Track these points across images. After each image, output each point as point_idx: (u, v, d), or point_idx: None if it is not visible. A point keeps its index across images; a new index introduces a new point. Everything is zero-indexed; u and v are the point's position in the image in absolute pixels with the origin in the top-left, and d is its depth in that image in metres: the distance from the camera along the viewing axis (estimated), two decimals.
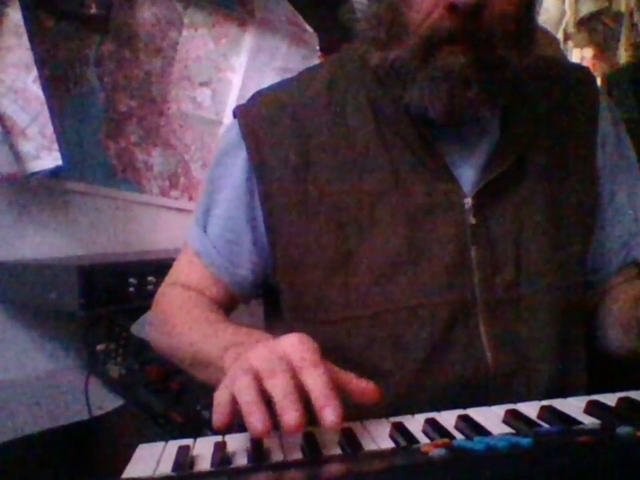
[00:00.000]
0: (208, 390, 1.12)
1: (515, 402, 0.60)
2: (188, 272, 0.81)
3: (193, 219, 0.82)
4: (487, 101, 0.66)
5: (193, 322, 0.73)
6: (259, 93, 0.79)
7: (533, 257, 0.72)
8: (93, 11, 1.47)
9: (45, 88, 1.36)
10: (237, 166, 0.76)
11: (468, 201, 0.71)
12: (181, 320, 0.74)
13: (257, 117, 0.76)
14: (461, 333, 0.70)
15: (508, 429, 0.54)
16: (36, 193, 1.44)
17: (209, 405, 1.28)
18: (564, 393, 0.64)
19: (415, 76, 0.65)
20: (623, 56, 2.28)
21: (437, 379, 0.70)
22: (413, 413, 0.59)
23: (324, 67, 0.79)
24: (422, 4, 0.62)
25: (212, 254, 0.78)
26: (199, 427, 1.13)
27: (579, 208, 0.75)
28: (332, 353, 0.56)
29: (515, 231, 0.72)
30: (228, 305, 0.81)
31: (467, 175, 0.72)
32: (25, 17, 1.32)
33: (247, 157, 0.75)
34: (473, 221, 0.70)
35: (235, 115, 0.79)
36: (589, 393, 0.62)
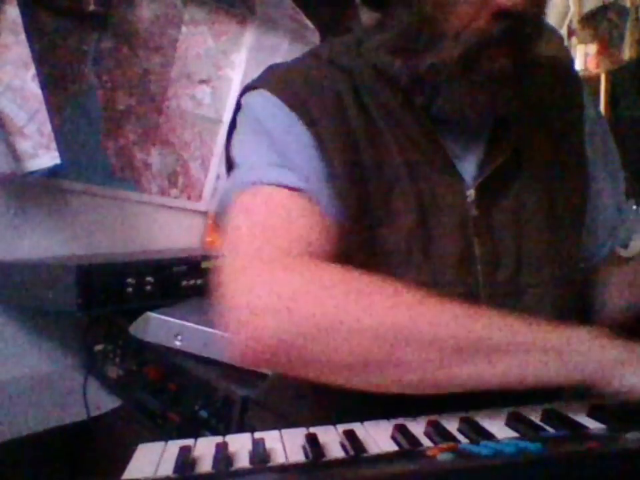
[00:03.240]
0: (206, 391, 1.11)
1: (515, 396, 0.59)
2: (301, 231, 0.64)
3: (248, 174, 0.67)
4: (518, 98, 0.67)
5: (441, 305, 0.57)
6: (273, 68, 0.74)
7: (533, 248, 0.73)
8: (92, 7, 1.46)
9: (43, 86, 1.35)
10: (296, 133, 0.68)
11: (470, 193, 0.71)
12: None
13: (298, 87, 0.69)
14: None
15: (511, 432, 0.53)
16: (34, 192, 1.43)
17: (207, 405, 1.27)
18: (563, 387, 0.64)
19: (454, 81, 0.65)
20: (627, 52, 2.26)
21: None
22: (415, 405, 0.57)
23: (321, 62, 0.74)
24: (464, 11, 0.62)
25: (314, 187, 0.66)
26: (196, 427, 1.12)
27: (572, 198, 0.77)
28: None
29: (515, 222, 0.73)
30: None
31: (469, 168, 0.72)
32: (23, 14, 1.32)
33: (301, 124, 0.67)
34: (475, 212, 0.71)
35: (251, 89, 0.72)
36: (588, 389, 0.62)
